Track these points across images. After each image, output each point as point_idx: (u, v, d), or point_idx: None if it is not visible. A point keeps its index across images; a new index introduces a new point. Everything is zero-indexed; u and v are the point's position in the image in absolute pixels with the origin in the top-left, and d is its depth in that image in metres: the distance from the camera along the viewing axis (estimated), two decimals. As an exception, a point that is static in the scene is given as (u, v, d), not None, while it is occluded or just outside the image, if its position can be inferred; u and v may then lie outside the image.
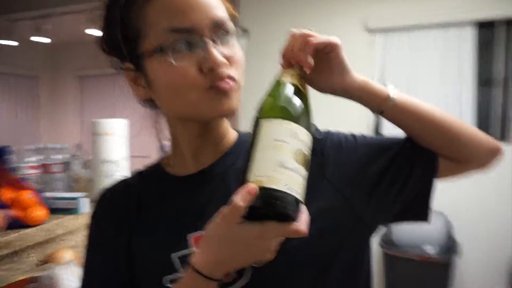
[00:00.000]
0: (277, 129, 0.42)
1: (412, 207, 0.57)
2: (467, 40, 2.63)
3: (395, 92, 0.54)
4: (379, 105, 0.54)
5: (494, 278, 2.46)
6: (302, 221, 0.42)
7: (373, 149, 0.56)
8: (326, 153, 0.55)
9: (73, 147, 1.51)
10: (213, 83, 0.47)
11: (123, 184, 0.62)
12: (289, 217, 0.41)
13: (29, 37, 4.53)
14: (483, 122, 2.68)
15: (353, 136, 0.58)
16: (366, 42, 2.80)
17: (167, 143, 0.60)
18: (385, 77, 2.81)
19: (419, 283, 2.31)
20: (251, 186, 0.39)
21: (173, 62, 0.46)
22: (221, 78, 0.47)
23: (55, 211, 1.20)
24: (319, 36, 0.49)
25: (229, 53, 0.49)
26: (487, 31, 2.65)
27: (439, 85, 2.71)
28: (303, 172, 0.42)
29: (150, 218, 0.55)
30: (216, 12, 0.48)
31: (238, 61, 0.50)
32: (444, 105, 2.69)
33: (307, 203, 0.43)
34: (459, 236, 2.44)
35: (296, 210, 0.41)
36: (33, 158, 1.34)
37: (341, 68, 0.52)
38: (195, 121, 0.52)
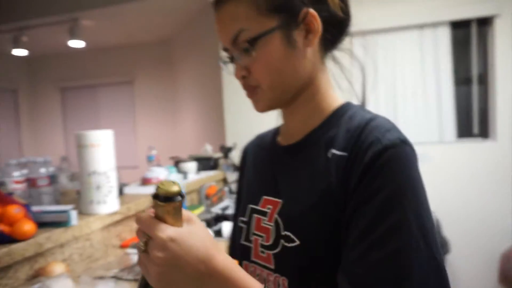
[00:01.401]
0: None
1: None
2: (443, 40, 2.72)
3: None
4: None
5: (485, 274, 2.51)
6: None
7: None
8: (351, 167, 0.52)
9: (59, 160, 1.49)
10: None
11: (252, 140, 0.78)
12: None
13: (7, 50, 4.44)
14: (463, 120, 2.77)
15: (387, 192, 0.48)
16: (346, 44, 2.87)
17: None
18: (365, 79, 2.87)
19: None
20: None
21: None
22: (245, 90, 0.61)
23: (44, 225, 1.18)
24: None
25: (248, 63, 0.56)
26: (461, 30, 2.74)
27: (418, 85, 2.78)
28: None
29: (250, 174, 0.72)
30: (228, 31, 0.56)
31: (262, 68, 0.56)
32: (424, 105, 2.76)
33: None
34: (448, 234, 2.49)
35: None
36: (18, 173, 1.31)
37: None
38: None
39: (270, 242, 0.58)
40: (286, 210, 0.57)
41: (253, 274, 0.60)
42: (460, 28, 2.73)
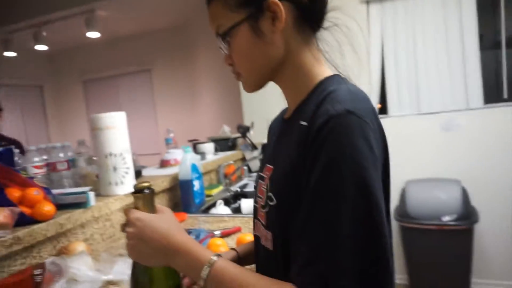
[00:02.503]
0: None
1: None
2: (467, 3, 2.55)
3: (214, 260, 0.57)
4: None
5: (514, 241, 2.42)
6: None
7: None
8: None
9: (76, 145, 1.52)
10: None
11: None
12: None
13: (29, 47, 4.57)
14: (492, 85, 2.62)
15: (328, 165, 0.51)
16: (363, 13, 2.76)
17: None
18: (384, 48, 2.76)
19: (439, 252, 2.28)
20: None
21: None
22: (233, 73, 0.71)
23: (64, 206, 1.21)
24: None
25: (229, 53, 0.67)
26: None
27: (442, 51, 2.64)
28: None
29: (266, 146, 0.82)
30: (212, 27, 0.67)
31: (237, 57, 0.66)
32: (449, 71, 2.63)
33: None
34: (476, 203, 2.40)
35: None
36: (37, 158, 1.35)
37: None
38: None
39: (263, 202, 0.66)
40: (273, 175, 0.65)
41: (257, 229, 0.70)
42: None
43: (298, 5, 0.63)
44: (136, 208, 0.62)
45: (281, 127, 0.74)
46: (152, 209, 0.62)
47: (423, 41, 2.68)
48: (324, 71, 0.67)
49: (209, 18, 0.68)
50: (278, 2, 0.61)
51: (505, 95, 2.58)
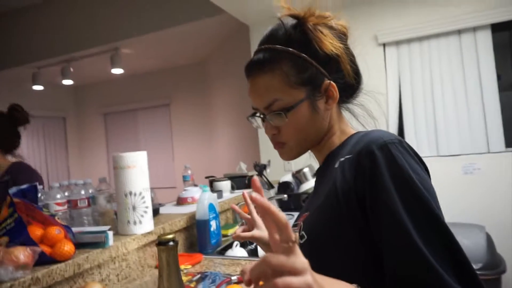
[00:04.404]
0: None
1: None
2: (484, 44, 2.58)
3: None
4: None
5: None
6: None
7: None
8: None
9: (97, 182, 1.55)
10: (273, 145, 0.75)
11: None
12: None
13: (55, 81, 4.78)
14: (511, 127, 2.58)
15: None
16: (379, 55, 2.81)
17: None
18: (401, 88, 2.78)
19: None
20: None
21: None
22: (273, 143, 0.74)
23: (82, 245, 1.22)
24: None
25: (279, 125, 0.70)
26: (503, 33, 2.59)
27: (458, 93, 2.64)
28: None
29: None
30: (264, 98, 0.70)
31: (291, 130, 0.70)
32: (468, 114, 2.61)
33: None
34: (501, 251, 2.30)
35: None
36: (60, 195, 1.37)
37: None
38: None
39: None
40: (307, 218, 0.68)
41: None
42: (501, 30, 2.58)
43: (345, 86, 0.70)
44: (160, 259, 0.62)
45: (315, 180, 0.78)
46: (175, 260, 0.63)
47: (441, 82, 2.70)
48: (351, 131, 0.75)
49: (258, 89, 0.70)
50: (334, 83, 0.68)
51: (527, 139, 2.53)
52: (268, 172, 2.61)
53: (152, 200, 1.54)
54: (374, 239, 0.54)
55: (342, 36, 0.71)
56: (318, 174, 0.78)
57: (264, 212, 0.42)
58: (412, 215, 0.51)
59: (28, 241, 1.04)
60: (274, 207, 0.45)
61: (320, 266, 0.58)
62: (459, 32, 2.63)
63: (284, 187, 2.54)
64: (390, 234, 0.52)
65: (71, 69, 4.42)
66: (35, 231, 1.10)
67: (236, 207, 1.01)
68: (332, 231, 0.59)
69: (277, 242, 0.41)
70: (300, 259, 0.39)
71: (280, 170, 2.86)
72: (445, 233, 0.51)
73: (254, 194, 0.43)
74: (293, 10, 0.70)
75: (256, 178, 0.59)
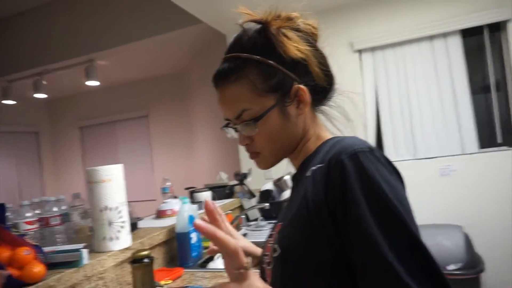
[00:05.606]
0: None
1: None
2: (455, 49, 2.66)
3: None
4: None
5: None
6: None
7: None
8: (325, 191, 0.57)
9: (71, 198, 1.48)
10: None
11: None
12: None
13: (27, 95, 4.63)
14: (486, 129, 2.66)
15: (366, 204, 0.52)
16: (355, 61, 2.86)
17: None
18: (377, 93, 2.83)
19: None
20: None
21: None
22: (248, 152, 0.71)
23: (55, 266, 1.15)
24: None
25: (251, 134, 0.67)
26: (473, 38, 2.68)
27: (434, 97, 2.71)
28: None
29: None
30: (232, 109, 0.67)
31: (263, 139, 0.67)
32: (443, 117, 2.68)
33: None
34: (479, 250, 2.35)
35: None
36: (30, 213, 1.31)
37: None
38: None
39: (269, 259, 0.65)
40: (281, 229, 0.65)
41: None
42: (471, 36, 2.67)
43: (316, 89, 0.68)
44: (134, 278, 0.59)
45: (292, 188, 0.76)
46: (150, 278, 0.59)
47: (416, 87, 2.76)
48: (327, 136, 0.72)
49: (226, 99, 0.67)
50: (304, 87, 0.65)
51: (499, 140, 2.61)
52: (249, 180, 2.59)
53: (130, 214, 1.49)
54: (348, 254, 0.53)
55: (309, 37, 0.68)
56: (293, 181, 0.75)
57: (210, 239, 0.44)
58: (384, 230, 0.49)
59: (-6, 264, 0.98)
60: (221, 233, 0.46)
61: (293, 284, 0.57)
62: (431, 38, 2.71)
63: (265, 195, 2.53)
64: (362, 250, 0.50)
65: (44, 82, 4.28)
66: (3, 253, 1.04)
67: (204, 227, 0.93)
68: (304, 245, 0.56)
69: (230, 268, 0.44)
70: (254, 285, 0.42)
71: (261, 179, 2.84)
72: (417, 246, 0.49)
73: (198, 221, 0.45)
74: (254, 15, 0.67)
75: (208, 200, 0.57)
